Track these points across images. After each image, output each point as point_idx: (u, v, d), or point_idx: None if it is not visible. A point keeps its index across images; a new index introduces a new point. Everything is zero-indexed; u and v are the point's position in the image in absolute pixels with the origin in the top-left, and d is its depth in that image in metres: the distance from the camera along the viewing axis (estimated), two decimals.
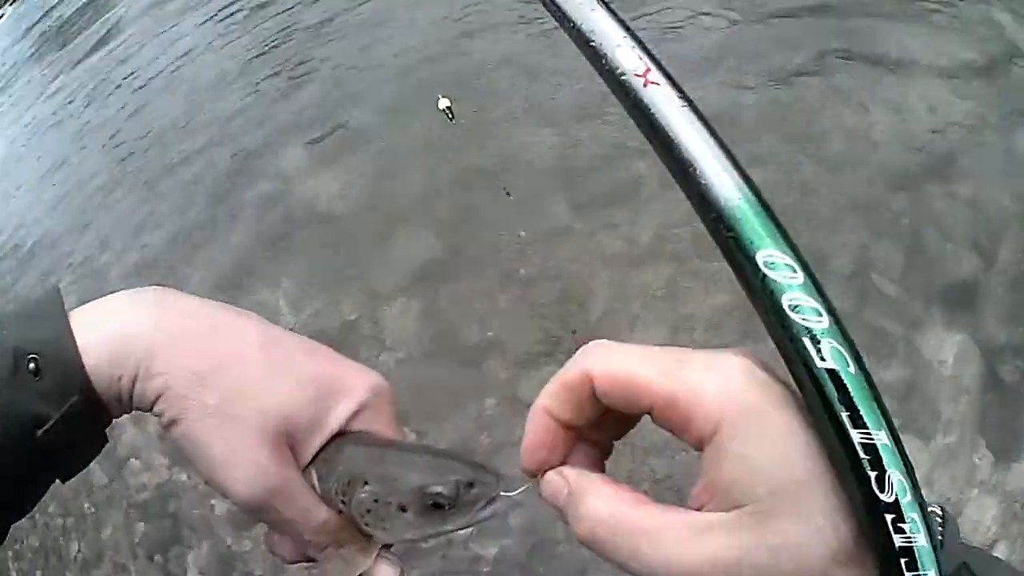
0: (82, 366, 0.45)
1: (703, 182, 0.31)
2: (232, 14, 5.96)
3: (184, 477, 2.56)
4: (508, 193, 3.14)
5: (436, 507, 0.42)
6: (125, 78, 5.95)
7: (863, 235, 2.72)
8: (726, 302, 2.50)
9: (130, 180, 4.44)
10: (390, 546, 0.46)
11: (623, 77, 0.33)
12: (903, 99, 3.17)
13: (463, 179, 3.37)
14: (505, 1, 4.37)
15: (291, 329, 0.55)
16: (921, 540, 0.29)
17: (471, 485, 0.41)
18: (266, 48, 5.13)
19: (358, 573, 0.44)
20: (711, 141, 0.32)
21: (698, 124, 0.32)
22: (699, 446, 0.33)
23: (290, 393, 0.47)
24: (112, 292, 0.50)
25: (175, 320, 0.48)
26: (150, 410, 0.47)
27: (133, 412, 0.49)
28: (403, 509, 0.43)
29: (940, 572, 0.30)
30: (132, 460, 2.60)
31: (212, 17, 6.10)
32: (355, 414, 0.48)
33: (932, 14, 3.51)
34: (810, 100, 3.32)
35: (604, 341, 0.36)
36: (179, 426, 0.46)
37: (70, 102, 6.22)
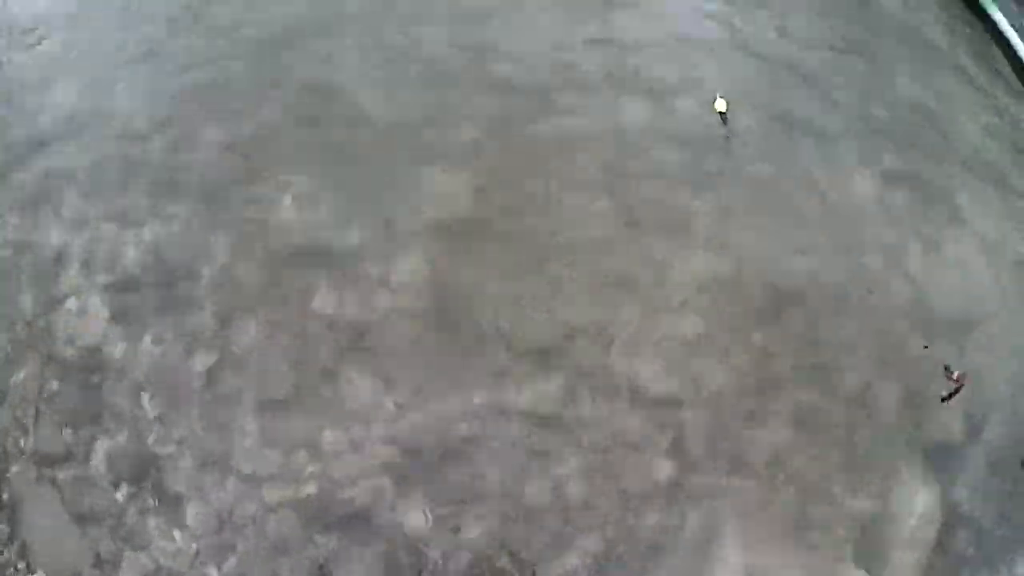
0: None
1: None
2: None
3: (121, 350, 2.13)
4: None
5: None
6: None
7: (874, 358, 2.78)
8: None
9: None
10: None
11: None
12: (944, 248, 3.27)
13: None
14: None
15: None
16: None
17: None
18: None
19: None
20: None
21: None
22: None
23: None
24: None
25: None
26: None
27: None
28: None
29: None
30: (69, 300, 2.09)
31: None
32: None
33: (1011, 196, 3.59)
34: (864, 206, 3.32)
35: None
36: None
37: None
